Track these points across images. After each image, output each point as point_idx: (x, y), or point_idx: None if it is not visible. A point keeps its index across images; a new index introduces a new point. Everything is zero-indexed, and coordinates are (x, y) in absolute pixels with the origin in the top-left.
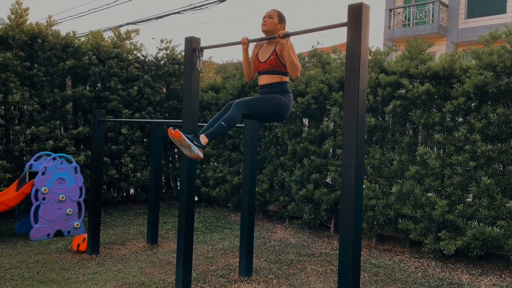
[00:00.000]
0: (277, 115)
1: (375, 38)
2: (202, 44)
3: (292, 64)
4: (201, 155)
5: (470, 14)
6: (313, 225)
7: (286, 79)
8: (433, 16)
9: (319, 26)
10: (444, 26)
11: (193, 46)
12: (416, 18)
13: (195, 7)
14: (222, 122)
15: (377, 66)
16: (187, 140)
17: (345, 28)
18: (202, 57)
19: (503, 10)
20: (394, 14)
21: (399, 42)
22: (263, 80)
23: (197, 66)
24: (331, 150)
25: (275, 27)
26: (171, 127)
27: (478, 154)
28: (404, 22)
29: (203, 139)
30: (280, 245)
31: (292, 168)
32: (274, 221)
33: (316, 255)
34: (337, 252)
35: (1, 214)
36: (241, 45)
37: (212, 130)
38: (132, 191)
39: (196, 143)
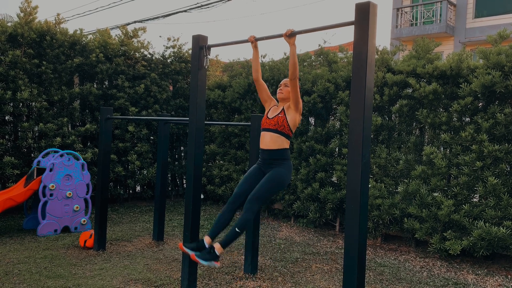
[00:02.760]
0: (281, 188)
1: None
2: (209, 42)
3: (294, 66)
4: (218, 264)
5: (478, 13)
6: (318, 224)
7: (287, 144)
8: (440, 15)
9: (326, 25)
10: (451, 25)
11: (200, 44)
12: (423, 17)
13: (202, 6)
14: (236, 229)
15: (384, 65)
16: (206, 263)
17: (352, 27)
18: (209, 55)
19: (511, 10)
20: (401, 13)
21: (406, 42)
22: (266, 141)
23: (204, 64)
24: (337, 149)
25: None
26: (181, 244)
27: (485, 154)
28: (412, 21)
29: (219, 249)
30: (285, 243)
31: (297, 167)
32: (280, 219)
33: (321, 253)
34: (342, 251)
35: (9, 210)
36: (248, 43)
37: (226, 238)
38: (138, 188)
39: (212, 258)
